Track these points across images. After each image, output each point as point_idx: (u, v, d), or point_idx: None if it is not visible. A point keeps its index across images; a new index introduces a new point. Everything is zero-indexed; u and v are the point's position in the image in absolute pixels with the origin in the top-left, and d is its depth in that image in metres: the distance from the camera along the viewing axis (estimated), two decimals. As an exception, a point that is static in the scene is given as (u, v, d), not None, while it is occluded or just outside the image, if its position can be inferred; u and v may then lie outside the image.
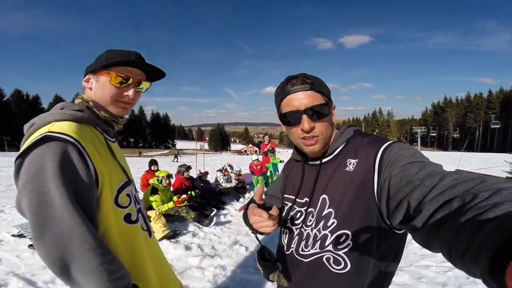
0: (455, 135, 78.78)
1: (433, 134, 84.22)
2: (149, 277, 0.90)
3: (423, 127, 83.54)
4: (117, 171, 0.85)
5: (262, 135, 8.05)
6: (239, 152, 69.77)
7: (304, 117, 0.72)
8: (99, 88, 0.85)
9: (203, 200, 5.09)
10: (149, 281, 0.89)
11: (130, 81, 0.85)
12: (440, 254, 0.44)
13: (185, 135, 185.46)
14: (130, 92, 0.86)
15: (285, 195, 0.91)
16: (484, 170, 11.32)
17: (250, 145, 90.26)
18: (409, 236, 0.61)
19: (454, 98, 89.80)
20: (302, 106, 0.72)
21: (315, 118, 0.73)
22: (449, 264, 2.34)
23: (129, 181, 0.91)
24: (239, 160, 20.54)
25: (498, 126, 65.03)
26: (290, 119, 0.75)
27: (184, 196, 4.17)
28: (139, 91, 0.91)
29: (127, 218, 0.86)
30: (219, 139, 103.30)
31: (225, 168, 6.70)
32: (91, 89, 0.87)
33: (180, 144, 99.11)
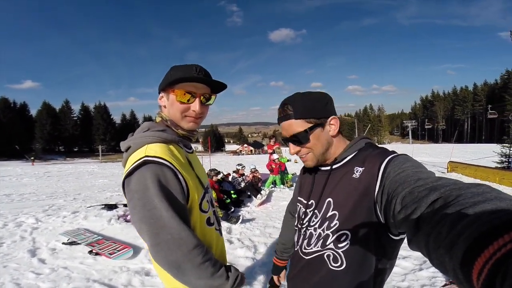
0: (441, 126, 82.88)
1: (428, 127, 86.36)
2: None
3: (414, 121, 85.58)
4: (197, 183, 0.93)
5: (268, 138, 8.56)
6: (234, 152, 69.94)
7: (290, 144, 0.85)
8: (169, 105, 0.92)
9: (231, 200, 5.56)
10: None
11: (194, 96, 0.91)
12: None
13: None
14: (197, 107, 0.91)
15: (298, 198, 1.00)
16: (475, 161, 11.96)
17: (245, 145, 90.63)
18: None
19: (441, 91, 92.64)
20: (286, 134, 0.84)
21: (298, 143, 0.83)
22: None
23: (206, 188, 1.01)
24: (255, 160, 20.94)
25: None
26: (285, 142, 0.89)
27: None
28: (207, 105, 0.97)
29: (208, 221, 0.98)
30: (214, 140, 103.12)
31: (238, 169, 7.06)
32: (165, 106, 0.94)
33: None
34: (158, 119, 0.97)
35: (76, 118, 71.19)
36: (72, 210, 5.16)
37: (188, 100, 0.91)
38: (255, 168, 7.26)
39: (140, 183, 0.79)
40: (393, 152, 0.74)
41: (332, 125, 0.82)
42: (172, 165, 0.83)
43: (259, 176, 7.24)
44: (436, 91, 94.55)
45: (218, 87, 0.97)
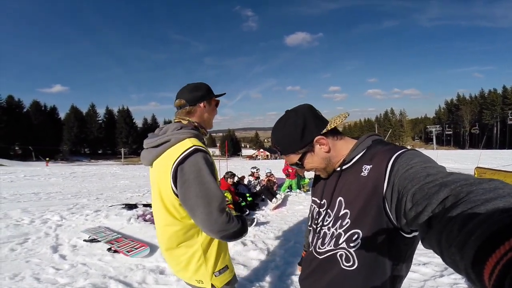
0: (474, 130, 77.24)
1: (448, 132, 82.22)
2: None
3: (438, 126, 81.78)
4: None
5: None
6: (250, 157, 70.10)
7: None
8: (211, 110, 1.27)
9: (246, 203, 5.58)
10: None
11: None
12: None
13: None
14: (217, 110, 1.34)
15: (312, 198, 1.02)
16: (506, 167, 11.22)
17: (261, 150, 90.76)
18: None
19: (467, 95, 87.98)
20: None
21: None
22: None
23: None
24: (271, 165, 21.00)
25: None
26: None
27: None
28: None
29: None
30: (231, 145, 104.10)
31: (253, 172, 7.09)
32: (202, 111, 1.24)
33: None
34: (185, 122, 1.21)
35: (101, 121, 74.48)
36: (94, 209, 5.39)
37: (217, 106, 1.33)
38: (270, 172, 7.26)
39: (195, 166, 1.04)
40: (402, 148, 0.73)
41: (322, 145, 0.83)
42: (208, 152, 1.10)
43: (275, 180, 7.22)
44: (462, 94, 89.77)
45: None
